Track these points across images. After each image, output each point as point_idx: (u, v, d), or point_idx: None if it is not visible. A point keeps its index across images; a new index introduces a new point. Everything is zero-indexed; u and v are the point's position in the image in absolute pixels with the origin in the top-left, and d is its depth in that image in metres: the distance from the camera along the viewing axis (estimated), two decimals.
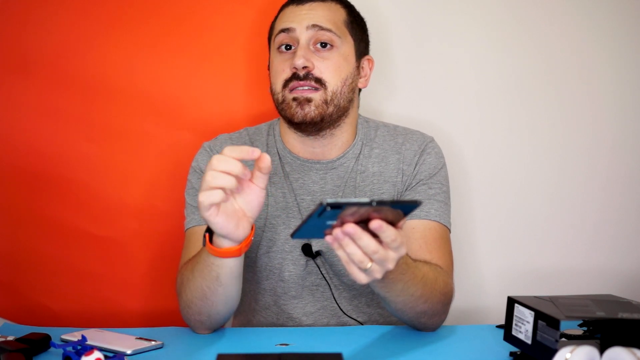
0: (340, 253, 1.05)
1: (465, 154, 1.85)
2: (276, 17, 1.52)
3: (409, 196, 1.49)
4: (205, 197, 1.14)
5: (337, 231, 1.03)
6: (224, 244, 1.21)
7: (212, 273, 1.26)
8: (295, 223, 1.48)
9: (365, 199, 0.97)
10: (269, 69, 1.52)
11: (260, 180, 1.19)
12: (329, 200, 0.96)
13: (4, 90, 1.72)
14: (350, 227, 1.02)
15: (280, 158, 1.52)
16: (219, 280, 1.27)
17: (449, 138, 1.80)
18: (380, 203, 0.98)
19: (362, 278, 1.07)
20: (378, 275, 1.07)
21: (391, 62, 1.82)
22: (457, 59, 1.85)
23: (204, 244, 1.24)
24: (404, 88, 1.85)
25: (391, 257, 1.06)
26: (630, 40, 1.86)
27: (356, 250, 1.04)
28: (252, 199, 1.19)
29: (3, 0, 1.71)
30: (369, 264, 1.05)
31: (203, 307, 1.32)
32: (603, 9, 1.85)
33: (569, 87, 1.86)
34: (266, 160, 1.16)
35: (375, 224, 1.02)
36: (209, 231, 1.23)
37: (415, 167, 1.50)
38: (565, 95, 1.86)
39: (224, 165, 1.13)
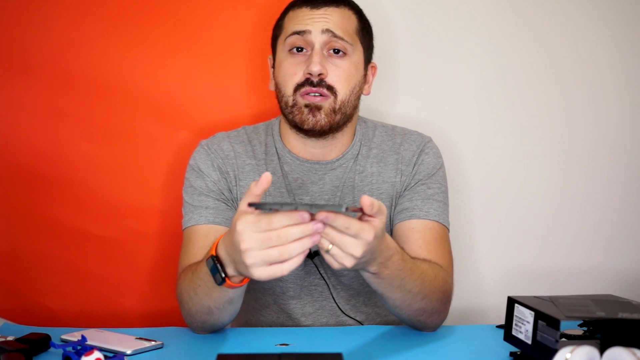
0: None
1: (466, 154, 1.85)
2: (283, 16, 1.50)
3: (407, 196, 1.49)
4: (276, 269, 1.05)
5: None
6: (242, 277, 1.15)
7: (225, 297, 1.24)
8: None
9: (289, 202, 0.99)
10: (273, 67, 1.51)
11: None
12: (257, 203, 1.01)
13: (4, 91, 1.72)
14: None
15: (279, 158, 1.52)
16: (232, 301, 1.26)
17: (450, 138, 1.80)
18: (311, 206, 1.00)
19: (332, 263, 1.06)
20: (346, 262, 1.05)
21: (393, 63, 1.82)
22: (458, 60, 1.85)
23: (220, 283, 1.15)
24: (406, 89, 1.85)
25: (350, 243, 1.04)
26: (630, 40, 1.86)
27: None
28: None
29: (3, 0, 1.71)
30: (330, 246, 1.05)
31: (209, 320, 1.32)
32: (603, 9, 1.85)
33: (569, 87, 1.86)
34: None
35: (320, 216, 1.02)
36: (221, 265, 1.14)
37: (413, 168, 1.50)
38: (565, 96, 1.87)
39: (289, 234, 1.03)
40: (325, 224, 1.03)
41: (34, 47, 1.71)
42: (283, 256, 1.02)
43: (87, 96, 1.72)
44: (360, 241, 1.05)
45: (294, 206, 1.01)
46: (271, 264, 1.03)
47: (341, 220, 1.03)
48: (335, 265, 1.07)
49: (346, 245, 1.05)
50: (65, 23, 1.72)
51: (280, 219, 1.01)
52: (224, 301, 1.25)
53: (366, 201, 1.05)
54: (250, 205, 1.02)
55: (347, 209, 1.00)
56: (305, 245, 1.02)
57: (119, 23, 1.72)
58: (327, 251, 1.05)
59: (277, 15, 1.52)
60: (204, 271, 1.20)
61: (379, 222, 1.07)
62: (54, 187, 1.73)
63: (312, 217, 1.02)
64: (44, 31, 1.71)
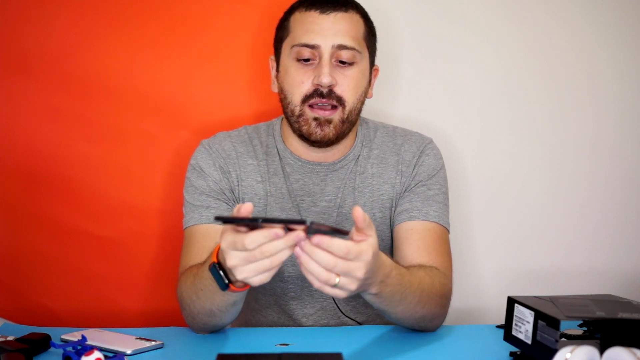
0: (309, 277, 1.04)
1: (467, 155, 1.85)
2: (288, 16, 1.48)
3: (407, 198, 1.49)
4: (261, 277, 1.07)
5: (296, 250, 1.02)
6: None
7: (229, 301, 1.24)
8: None
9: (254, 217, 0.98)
10: (277, 70, 1.50)
11: None
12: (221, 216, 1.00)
13: (4, 90, 1.72)
14: (306, 246, 1.01)
15: (280, 158, 1.52)
16: (235, 303, 1.27)
17: (451, 139, 1.80)
18: (267, 220, 0.98)
19: (338, 293, 1.05)
20: (353, 286, 1.05)
21: (394, 64, 1.82)
22: (459, 61, 1.84)
23: (224, 289, 1.15)
24: (407, 90, 1.84)
25: (355, 267, 1.03)
26: (630, 40, 1.86)
27: (318, 269, 1.02)
28: None
29: (3, 0, 1.71)
30: (337, 279, 1.03)
31: (210, 321, 1.32)
32: (603, 10, 1.85)
33: (569, 89, 1.86)
34: None
35: (314, 240, 1.00)
36: (224, 271, 1.15)
37: (414, 169, 1.50)
38: (565, 96, 1.86)
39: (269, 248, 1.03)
40: (321, 247, 1.01)
41: (34, 47, 1.71)
42: (274, 264, 1.03)
43: (86, 96, 1.72)
44: (361, 262, 1.04)
45: (258, 220, 0.99)
46: (264, 272, 1.04)
47: (339, 246, 1.01)
48: (340, 294, 1.05)
49: (350, 270, 1.03)
50: (65, 23, 1.72)
51: (253, 239, 1.01)
52: (227, 304, 1.25)
53: (359, 214, 1.04)
54: (216, 219, 1.02)
55: (312, 223, 0.98)
56: (288, 254, 1.03)
57: (118, 23, 1.72)
58: (335, 285, 1.04)
59: (278, 15, 1.51)
60: (206, 276, 1.20)
61: (374, 239, 1.06)
62: (54, 187, 1.73)
63: (290, 229, 1.01)
64: (43, 31, 1.71)
